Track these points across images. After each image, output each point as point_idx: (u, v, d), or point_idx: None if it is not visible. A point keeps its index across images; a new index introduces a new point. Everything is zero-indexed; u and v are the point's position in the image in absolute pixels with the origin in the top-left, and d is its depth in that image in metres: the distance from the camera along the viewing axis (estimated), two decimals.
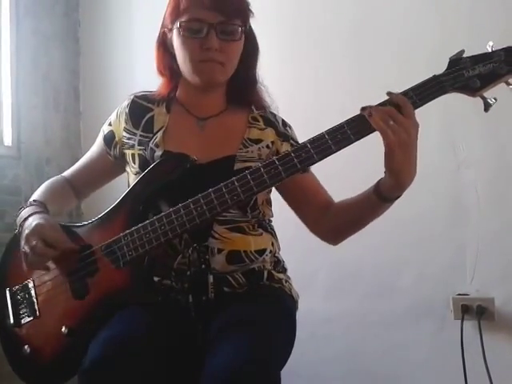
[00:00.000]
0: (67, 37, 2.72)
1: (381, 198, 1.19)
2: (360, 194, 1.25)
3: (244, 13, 1.31)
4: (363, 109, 1.12)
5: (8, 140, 2.37)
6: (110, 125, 1.42)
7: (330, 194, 1.40)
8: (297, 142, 1.41)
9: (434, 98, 1.12)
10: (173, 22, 1.31)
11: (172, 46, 1.34)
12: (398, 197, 1.18)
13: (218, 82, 1.33)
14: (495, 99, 1.11)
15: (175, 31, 1.30)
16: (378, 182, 1.19)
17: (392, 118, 1.09)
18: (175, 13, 1.29)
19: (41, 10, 2.55)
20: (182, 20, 1.27)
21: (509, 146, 2.00)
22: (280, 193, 1.41)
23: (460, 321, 1.99)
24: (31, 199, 1.40)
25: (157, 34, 1.37)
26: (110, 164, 1.44)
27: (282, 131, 1.40)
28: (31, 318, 1.32)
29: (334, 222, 1.35)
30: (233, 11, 1.28)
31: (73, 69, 2.74)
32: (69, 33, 2.73)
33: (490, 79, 1.10)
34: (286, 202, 1.42)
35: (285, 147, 1.37)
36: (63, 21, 2.70)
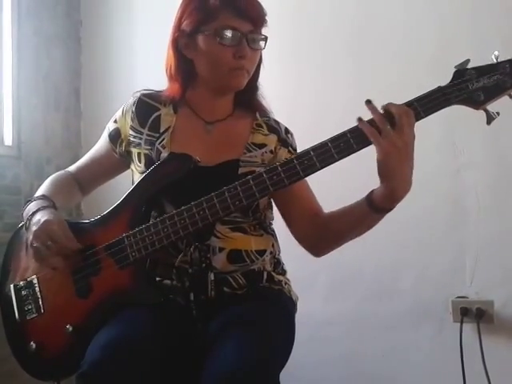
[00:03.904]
0: (68, 37, 2.72)
1: (372, 207, 1.17)
2: (352, 203, 1.24)
3: (266, 22, 1.33)
4: (360, 120, 1.11)
5: (8, 139, 2.37)
6: (115, 122, 1.42)
7: (320, 204, 1.38)
8: (295, 150, 1.42)
9: (437, 110, 1.11)
10: (196, 27, 1.29)
11: (188, 50, 1.33)
12: (390, 209, 1.17)
13: (242, 87, 1.34)
14: (498, 113, 1.11)
15: (203, 36, 1.29)
16: (372, 191, 1.18)
17: (391, 121, 1.09)
18: (201, 18, 1.29)
19: (42, 10, 2.55)
20: (215, 26, 1.27)
21: (509, 149, 2.01)
22: (273, 199, 1.40)
23: (459, 323, 2.00)
24: (38, 193, 1.40)
25: (169, 37, 1.36)
26: (114, 160, 1.44)
27: (283, 138, 1.41)
28: (36, 315, 1.34)
29: (322, 230, 1.32)
30: (261, 21, 1.31)
31: (74, 69, 2.74)
32: (70, 33, 2.73)
33: (493, 92, 1.10)
34: (276, 206, 1.40)
35: (281, 153, 1.38)
36: (65, 21, 2.70)
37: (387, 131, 1.08)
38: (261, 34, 1.32)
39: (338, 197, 1.29)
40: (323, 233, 1.33)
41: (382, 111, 1.12)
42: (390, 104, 1.11)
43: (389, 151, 1.08)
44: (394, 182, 1.11)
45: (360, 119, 1.11)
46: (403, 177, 1.11)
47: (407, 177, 1.11)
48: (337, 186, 1.95)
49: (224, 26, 1.27)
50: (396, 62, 2.17)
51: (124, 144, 1.40)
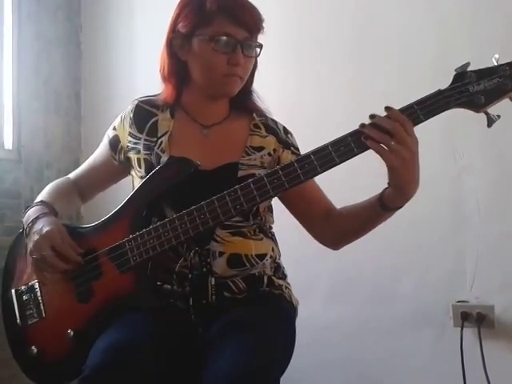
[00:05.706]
0: (69, 41, 2.72)
1: (383, 207, 1.20)
2: (363, 201, 1.26)
3: (262, 29, 1.33)
4: (362, 126, 1.11)
5: (9, 143, 2.37)
6: (114, 129, 1.43)
7: (331, 201, 1.40)
8: (297, 149, 1.42)
9: (438, 113, 1.11)
10: (192, 30, 1.29)
11: (182, 52, 1.33)
12: (401, 207, 1.19)
13: (234, 94, 1.35)
14: (498, 116, 1.10)
15: (198, 40, 1.29)
16: (383, 193, 1.19)
17: (393, 138, 1.08)
18: (197, 21, 1.29)
19: (43, 15, 2.56)
20: (210, 32, 1.27)
21: (509, 154, 2.00)
22: (282, 202, 1.41)
23: (460, 328, 1.99)
24: (38, 199, 1.41)
25: (164, 38, 1.36)
26: (114, 167, 1.45)
27: (284, 139, 1.41)
28: (37, 319, 1.34)
29: (336, 228, 1.36)
30: (256, 28, 1.30)
31: (74, 73, 2.74)
32: (70, 37, 2.73)
33: (494, 95, 1.09)
34: (289, 211, 1.42)
35: (286, 155, 1.39)
36: (65, 25, 2.70)
37: (392, 147, 1.08)
38: (256, 41, 1.32)
39: (345, 195, 1.30)
40: (338, 229, 1.35)
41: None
42: (381, 119, 1.10)
43: (398, 165, 1.09)
44: (405, 186, 1.13)
45: (366, 136, 1.10)
46: (412, 180, 1.13)
47: (416, 178, 1.13)
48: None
49: (219, 32, 1.27)
50: (396, 65, 2.18)
51: (123, 151, 1.40)
